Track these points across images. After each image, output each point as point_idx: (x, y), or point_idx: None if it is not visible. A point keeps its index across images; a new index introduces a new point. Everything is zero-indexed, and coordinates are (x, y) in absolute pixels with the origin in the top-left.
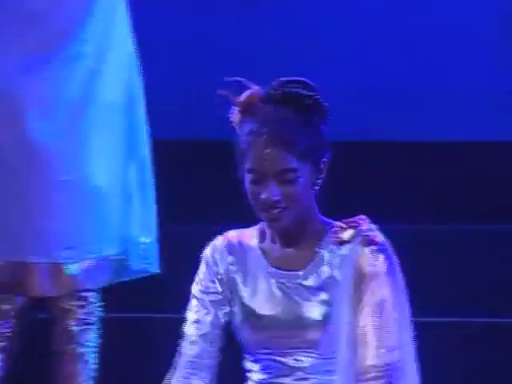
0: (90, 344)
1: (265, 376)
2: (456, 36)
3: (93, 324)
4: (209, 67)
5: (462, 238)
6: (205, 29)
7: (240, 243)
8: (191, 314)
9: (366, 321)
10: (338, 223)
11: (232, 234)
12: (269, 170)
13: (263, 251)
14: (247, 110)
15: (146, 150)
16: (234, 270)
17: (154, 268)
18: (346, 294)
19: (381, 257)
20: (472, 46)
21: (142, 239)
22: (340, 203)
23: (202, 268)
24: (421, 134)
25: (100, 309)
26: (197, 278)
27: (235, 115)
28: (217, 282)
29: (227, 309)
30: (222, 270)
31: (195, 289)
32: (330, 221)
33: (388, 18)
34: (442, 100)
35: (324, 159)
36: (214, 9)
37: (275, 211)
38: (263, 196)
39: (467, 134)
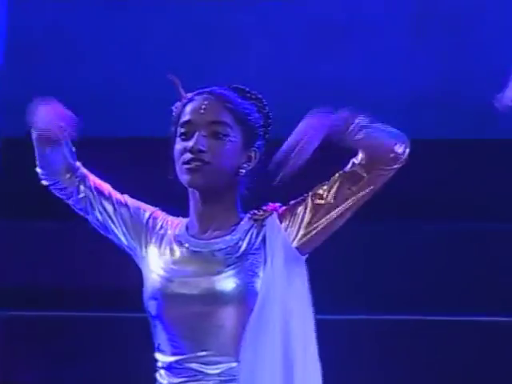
0: None
1: (173, 359)
2: (370, 35)
3: None
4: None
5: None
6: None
7: (165, 219)
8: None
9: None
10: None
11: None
12: (202, 119)
13: (186, 227)
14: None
15: None
16: (153, 234)
17: None
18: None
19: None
20: (385, 46)
21: None
22: None
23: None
24: None
25: None
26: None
27: (179, 106)
28: (138, 215)
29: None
30: (144, 221)
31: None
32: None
33: (301, 14)
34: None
35: (255, 148)
36: None
37: (197, 163)
38: (189, 145)
39: None
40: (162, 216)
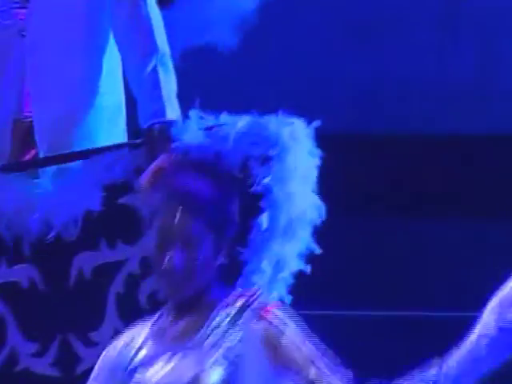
0: None
1: None
2: (399, 31)
3: None
4: None
5: None
6: None
7: (132, 337)
8: None
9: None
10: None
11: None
12: (173, 235)
13: (158, 329)
14: (158, 178)
15: None
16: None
17: None
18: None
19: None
20: (415, 41)
21: None
22: None
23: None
24: None
25: None
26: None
27: (145, 181)
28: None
29: None
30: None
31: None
32: (227, 291)
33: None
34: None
35: (229, 236)
36: None
37: (176, 280)
38: (165, 261)
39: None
40: (121, 341)
